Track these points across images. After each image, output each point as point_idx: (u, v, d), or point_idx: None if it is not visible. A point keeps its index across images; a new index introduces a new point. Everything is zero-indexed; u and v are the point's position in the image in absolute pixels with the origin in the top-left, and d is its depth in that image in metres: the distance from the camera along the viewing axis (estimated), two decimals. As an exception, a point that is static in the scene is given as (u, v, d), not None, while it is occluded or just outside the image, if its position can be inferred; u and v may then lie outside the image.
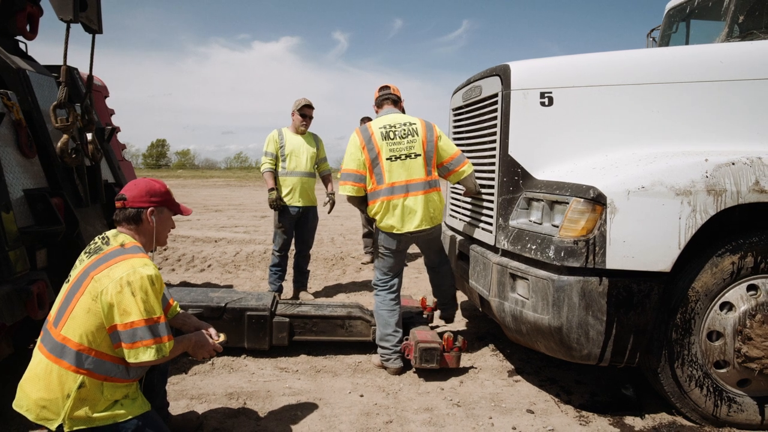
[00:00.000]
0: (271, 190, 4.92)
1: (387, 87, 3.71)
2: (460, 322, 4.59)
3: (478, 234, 3.43)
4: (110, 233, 2.19)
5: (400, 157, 3.32)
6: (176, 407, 2.87)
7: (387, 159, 3.32)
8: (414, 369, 3.44)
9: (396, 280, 3.58)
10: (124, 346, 1.95)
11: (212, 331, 2.45)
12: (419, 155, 3.33)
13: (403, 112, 3.76)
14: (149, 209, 2.20)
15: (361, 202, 3.50)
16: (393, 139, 3.35)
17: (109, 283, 1.94)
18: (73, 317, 1.95)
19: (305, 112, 5.00)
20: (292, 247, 5.21)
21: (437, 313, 4.04)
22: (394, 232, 3.36)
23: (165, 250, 8.00)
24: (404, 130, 3.37)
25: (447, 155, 3.41)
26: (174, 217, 2.40)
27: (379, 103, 3.65)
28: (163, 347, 2.00)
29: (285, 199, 4.94)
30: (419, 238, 3.51)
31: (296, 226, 5.09)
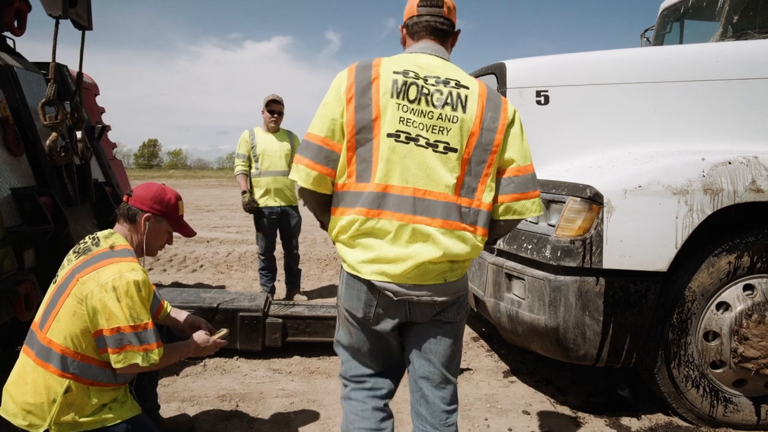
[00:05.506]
0: (243, 193, 4.84)
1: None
2: (454, 323, 4.56)
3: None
4: (101, 234, 2.14)
5: (417, 140, 1.60)
6: (167, 410, 2.82)
7: (389, 135, 1.60)
8: (409, 370, 3.40)
9: (384, 380, 1.85)
10: (110, 352, 1.89)
11: (203, 323, 2.40)
12: (455, 150, 1.62)
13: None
14: (146, 214, 2.14)
15: (319, 202, 1.73)
16: (416, 100, 1.62)
17: (95, 287, 1.88)
18: (58, 320, 1.90)
19: (272, 107, 4.84)
20: (281, 248, 5.13)
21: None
22: (362, 276, 1.64)
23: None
24: (447, 92, 1.63)
25: (517, 161, 1.69)
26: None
27: (414, 31, 1.76)
28: (151, 354, 1.93)
29: (261, 201, 4.81)
30: (423, 314, 1.69)
31: (279, 226, 4.98)
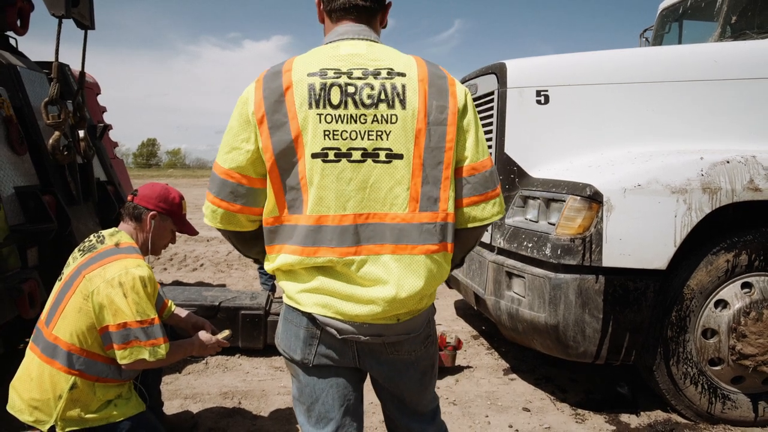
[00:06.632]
0: None
1: None
2: (455, 321, 4.59)
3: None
4: (106, 232, 2.16)
5: (349, 155, 1.29)
6: (170, 407, 2.84)
7: (315, 156, 1.28)
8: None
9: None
10: (116, 348, 1.90)
11: (206, 323, 2.43)
12: (401, 157, 1.30)
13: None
14: (151, 213, 2.17)
15: (240, 239, 1.52)
16: (341, 104, 1.28)
17: (101, 283, 1.90)
18: (64, 317, 1.92)
19: None
20: None
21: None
22: (302, 308, 1.38)
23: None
24: (379, 85, 1.30)
25: (471, 158, 1.36)
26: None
27: (332, 10, 1.42)
28: (158, 349, 1.94)
29: None
30: (373, 353, 1.40)
31: None
